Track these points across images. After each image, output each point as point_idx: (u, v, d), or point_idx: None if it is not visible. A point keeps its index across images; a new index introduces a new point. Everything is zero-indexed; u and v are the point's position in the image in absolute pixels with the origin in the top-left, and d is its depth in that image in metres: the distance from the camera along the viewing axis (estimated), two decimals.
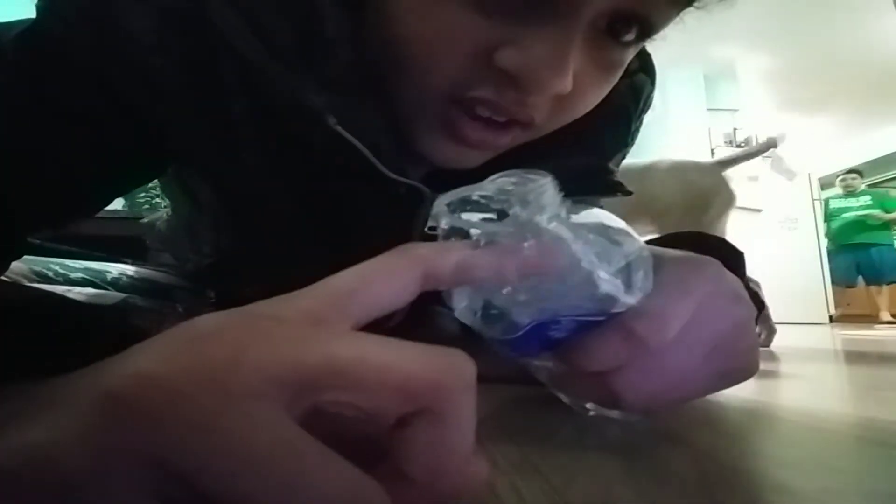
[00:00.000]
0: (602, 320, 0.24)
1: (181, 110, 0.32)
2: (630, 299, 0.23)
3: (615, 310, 0.23)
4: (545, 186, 0.22)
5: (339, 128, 0.30)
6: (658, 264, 0.25)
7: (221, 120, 0.32)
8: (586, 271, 0.22)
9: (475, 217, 0.21)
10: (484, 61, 0.28)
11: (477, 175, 0.31)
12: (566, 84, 0.28)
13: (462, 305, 0.23)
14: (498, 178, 0.22)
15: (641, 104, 0.43)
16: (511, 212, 0.21)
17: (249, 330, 0.14)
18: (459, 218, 0.22)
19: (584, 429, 0.29)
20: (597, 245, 0.23)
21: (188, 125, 0.33)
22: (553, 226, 0.21)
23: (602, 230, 0.24)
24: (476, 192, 0.21)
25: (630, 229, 0.25)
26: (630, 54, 0.32)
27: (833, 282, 4.55)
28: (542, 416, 0.33)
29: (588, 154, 0.39)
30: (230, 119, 0.32)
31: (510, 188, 0.21)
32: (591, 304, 0.23)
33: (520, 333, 0.23)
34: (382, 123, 0.32)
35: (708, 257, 0.27)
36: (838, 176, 4.81)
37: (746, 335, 0.27)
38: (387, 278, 0.17)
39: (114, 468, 0.12)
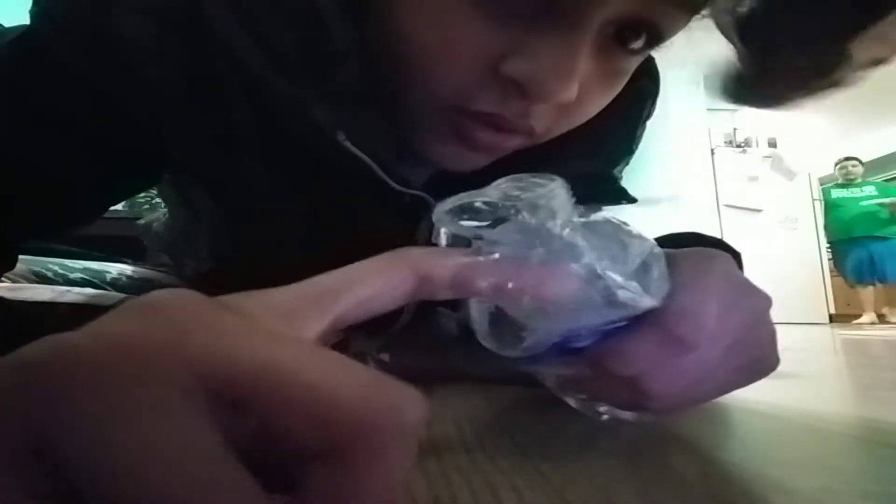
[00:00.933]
0: (624, 325, 0.23)
1: (181, 119, 0.32)
2: (649, 301, 0.22)
3: (635, 313, 0.23)
4: (556, 190, 0.21)
5: (347, 143, 0.30)
6: (669, 263, 0.25)
7: (222, 129, 0.32)
8: (600, 278, 0.21)
9: (477, 224, 0.21)
10: (490, 70, 0.28)
11: (480, 178, 0.31)
12: (572, 92, 0.27)
13: (483, 329, 0.22)
14: (503, 182, 0.21)
15: (646, 110, 0.42)
16: (518, 218, 0.20)
17: (200, 316, 0.12)
18: (461, 225, 0.21)
19: (585, 429, 0.29)
20: (610, 248, 0.22)
21: (188, 135, 0.33)
22: (566, 232, 0.20)
23: (612, 232, 0.23)
24: (479, 198, 0.20)
25: (637, 229, 0.24)
26: (637, 62, 0.31)
27: (854, 283, 4.14)
28: (543, 416, 0.33)
29: (594, 160, 0.39)
30: (231, 128, 0.32)
31: (517, 193, 0.20)
32: (612, 311, 0.22)
33: (540, 351, 0.23)
34: (386, 130, 0.32)
35: (714, 250, 0.27)
36: (836, 163, 4.42)
37: (764, 325, 0.27)
38: (376, 280, 0.17)
39: None
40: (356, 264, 0.17)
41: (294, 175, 0.34)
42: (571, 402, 0.29)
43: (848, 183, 4.31)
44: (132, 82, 0.30)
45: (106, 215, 0.38)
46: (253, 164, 0.34)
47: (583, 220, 0.22)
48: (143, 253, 0.60)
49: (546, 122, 0.31)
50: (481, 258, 0.20)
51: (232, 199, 0.37)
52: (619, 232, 0.23)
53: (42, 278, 0.44)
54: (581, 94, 0.28)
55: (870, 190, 4.25)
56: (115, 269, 0.53)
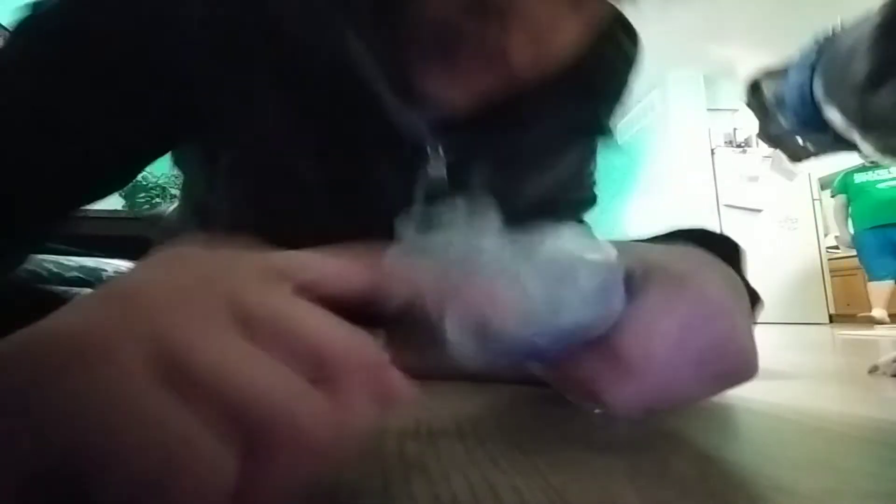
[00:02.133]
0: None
1: (207, 69, 0.34)
2: (594, 323, 0.23)
3: (579, 329, 0.24)
4: (487, 209, 0.23)
5: (355, 54, 0.32)
6: (645, 276, 0.25)
7: (245, 80, 0.35)
8: (531, 296, 0.22)
9: (435, 239, 0.23)
10: None
11: (477, 127, 0.35)
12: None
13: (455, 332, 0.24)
14: (453, 200, 0.23)
15: (630, 53, 0.44)
16: (462, 236, 0.23)
17: (161, 294, 0.14)
18: (421, 238, 0.23)
19: (585, 429, 0.29)
20: (550, 268, 0.23)
21: (213, 86, 0.35)
22: (496, 250, 0.23)
23: (561, 253, 0.24)
24: (436, 213, 0.23)
25: (602, 246, 0.25)
26: None
27: (873, 277, 3.74)
28: (543, 415, 0.33)
29: (587, 103, 0.41)
30: (254, 78, 0.35)
31: (462, 212, 0.23)
32: (554, 329, 0.23)
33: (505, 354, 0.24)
34: (393, 56, 0.33)
35: (697, 264, 0.27)
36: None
37: (733, 340, 0.27)
38: (341, 276, 0.19)
39: None
40: (333, 256, 0.19)
41: (312, 125, 0.36)
42: (570, 396, 0.30)
43: (874, 164, 3.63)
44: (163, 27, 0.33)
45: (105, 215, 0.38)
46: (274, 118, 0.36)
47: (529, 242, 0.24)
48: (144, 252, 0.60)
49: (525, 55, 0.32)
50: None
51: (253, 156, 0.39)
52: (570, 254, 0.24)
53: (37, 277, 0.44)
54: (553, 21, 0.31)
55: None
56: (112, 266, 0.53)
